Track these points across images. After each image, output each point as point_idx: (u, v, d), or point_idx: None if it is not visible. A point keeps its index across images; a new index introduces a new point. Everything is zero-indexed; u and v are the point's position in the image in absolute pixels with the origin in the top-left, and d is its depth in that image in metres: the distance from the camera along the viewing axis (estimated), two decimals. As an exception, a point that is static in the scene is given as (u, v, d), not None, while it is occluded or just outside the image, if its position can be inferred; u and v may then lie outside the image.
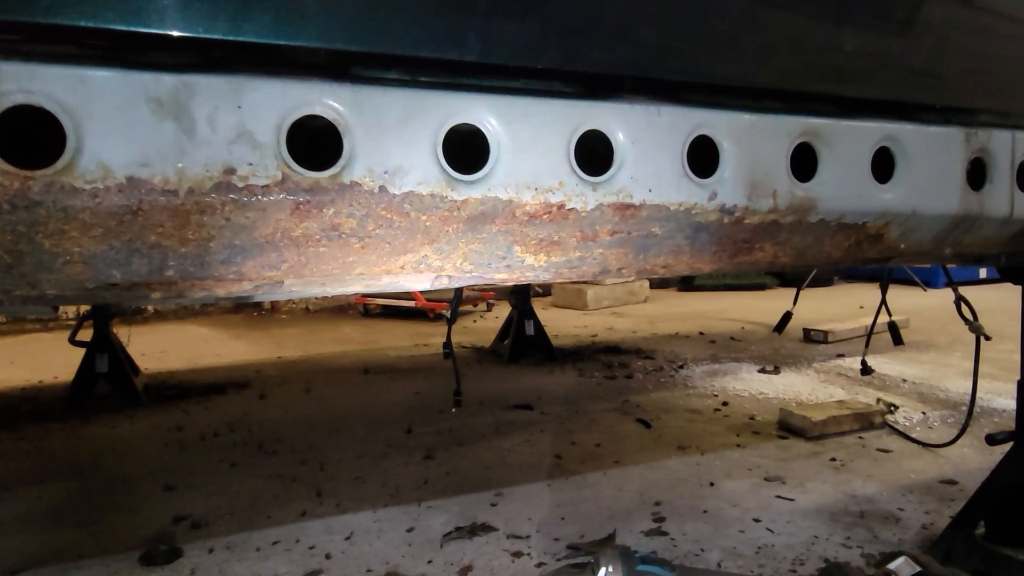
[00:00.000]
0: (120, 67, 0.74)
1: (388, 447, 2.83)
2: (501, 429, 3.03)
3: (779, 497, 2.26)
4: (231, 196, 0.79)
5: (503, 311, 5.69)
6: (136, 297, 0.94)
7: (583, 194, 0.95)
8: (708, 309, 6.67)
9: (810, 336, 4.99)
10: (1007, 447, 1.80)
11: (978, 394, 2.45)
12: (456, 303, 3.38)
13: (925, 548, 1.86)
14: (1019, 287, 1.84)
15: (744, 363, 4.27)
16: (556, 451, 2.74)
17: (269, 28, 0.76)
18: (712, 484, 2.38)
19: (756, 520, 2.10)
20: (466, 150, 0.89)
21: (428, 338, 5.40)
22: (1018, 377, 1.80)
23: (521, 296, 4.49)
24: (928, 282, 7.59)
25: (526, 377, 4.01)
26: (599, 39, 0.92)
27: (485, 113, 0.88)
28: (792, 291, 5.54)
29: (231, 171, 0.78)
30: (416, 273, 1.02)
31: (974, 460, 2.57)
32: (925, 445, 2.74)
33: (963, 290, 2.79)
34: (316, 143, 0.83)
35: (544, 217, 0.96)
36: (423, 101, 0.85)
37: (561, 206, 0.95)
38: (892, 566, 1.30)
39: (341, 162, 0.82)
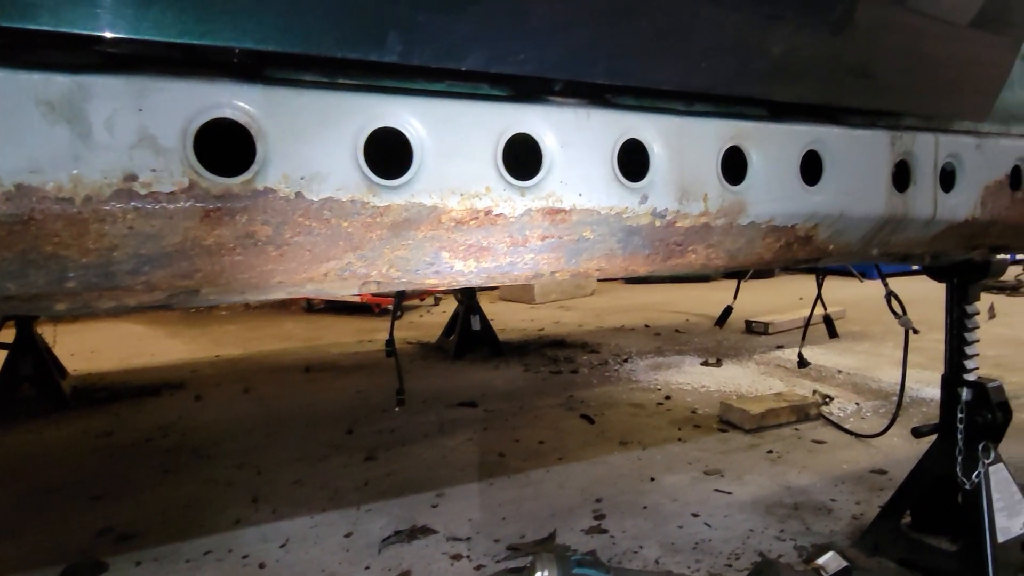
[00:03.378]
0: (7, 66, 0.69)
1: (329, 448, 2.77)
2: (445, 428, 3.01)
3: (717, 491, 2.30)
4: (133, 204, 0.74)
5: (451, 305, 5.65)
6: (39, 308, 0.89)
7: (511, 199, 0.93)
8: (654, 301, 6.76)
9: (751, 328, 5.11)
10: (932, 439, 1.86)
11: (908, 384, 2.53)
12: (399, 299, 3.33)
13: (855, 539, 1.92)
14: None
15: (687, 356, 4.34)
16: (500, 449, 2.73)
17: (173, 26, 0.72)
18: (652, 479, 2.41)
19: (695, 515, 2.13)
20: (390, 154, 0.86)
21: (373, 334, 5.32)
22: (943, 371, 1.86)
23: (467, 291, 4.46)
24: (864, 273, 7.81)
25: (471, 373, 3.99)
26: (527, 40, 0.90)
27: (408, 116, 0.85)
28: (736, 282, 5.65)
29: (132, 177, 0.73)
30: (341, 280, 0.98)
31: (903, 450, 2.66)
32: (857, 436, 2.82)
33: (897, 281, 2.86)
34: (235, 149, 0.78)
35: (471, 223, 0.93)
36: (342, 104, 0.82)
37: (488, 212, 0.92)
38: (820, 561, 1.33)
39: (254, 167, 0.78)
